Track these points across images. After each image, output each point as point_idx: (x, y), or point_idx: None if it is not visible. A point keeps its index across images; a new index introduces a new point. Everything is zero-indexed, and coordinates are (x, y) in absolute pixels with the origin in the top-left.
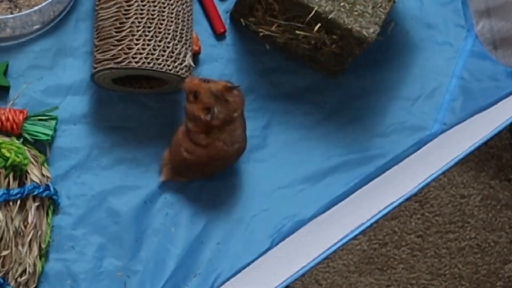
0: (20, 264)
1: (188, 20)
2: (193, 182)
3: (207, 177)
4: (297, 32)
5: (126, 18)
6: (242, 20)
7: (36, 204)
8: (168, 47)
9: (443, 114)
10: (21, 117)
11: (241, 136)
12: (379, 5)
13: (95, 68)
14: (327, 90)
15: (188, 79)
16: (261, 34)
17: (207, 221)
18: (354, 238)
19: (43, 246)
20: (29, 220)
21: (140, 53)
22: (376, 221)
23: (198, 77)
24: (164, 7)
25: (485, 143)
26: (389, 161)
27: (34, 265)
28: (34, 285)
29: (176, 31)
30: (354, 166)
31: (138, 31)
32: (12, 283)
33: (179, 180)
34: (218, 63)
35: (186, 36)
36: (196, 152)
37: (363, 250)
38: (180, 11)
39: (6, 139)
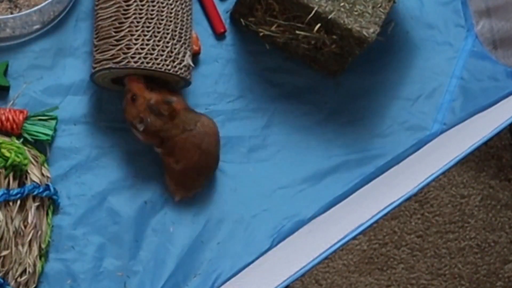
0: (20, 264)
1: (187, 20)
2: None
3: (208, 178)
4: (297, 32)
5: (125, 18)
6: (242, 20)
7: (36, 204)
8: (167, 47)
9: (443, 114)
10: (21, 117)
11: (194, 118)
12: (379, 5)
13: (94, 68)
14: (327, 90)
15: (136, 79)
16: (261, 34)
17: (207, 221)
18: (354, 238)
19: (43, 246)
20: (29, 220)
21: (139, 53)
22: (376, 221)
23: (144, 81)
24: (163, 7)
25: (485, 143)
26: (389, 161)
27: (34, 265)
28: (34, 285)
29: (175, 31)
30: (354, 166)
31: (137, 31)
32: (12, 283)
33: (190, 193)
34: (218, 63)
35: (185, 36)
36: (170, 158)
37: (363, 250)
38: (179, 11)
39: (6, 139)
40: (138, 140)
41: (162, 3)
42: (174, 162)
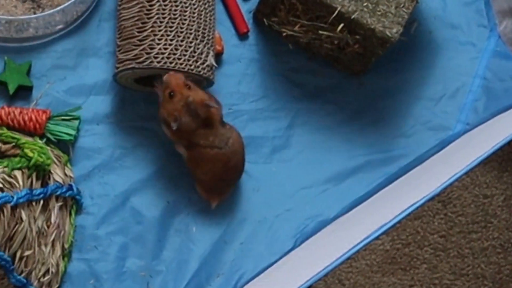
0: (43, 264)
1: (210, 20)
2: None
3: (237, 179)
4: (320, 32)
5: (148, 18)
6: (265, 20)
7: (59, 204)
8: (190, 47)
9: (466, 114)
10: (44, 117)
11: (226, 134)
12: (402, 5)
13: (117, 68)
14: (350, 90)
15: (174, 75)
16: (284, 34)
17: (230, 221)
18: (377, 238)
19: (66, 246)
20: (52, 220)
21: (162, 53)
22: (399, 221)
23: (183, 78)
24: (186, 7)
25: (508, 143)
26: (412, 161)
27: (57, 265)
28: (57, 285)
29: (198, 31)
30: (377, 166)
31: (160, 31)
32: (35, 283)
33: (224, 196)
34: (241, 63)
35: (208, 36)
36: (197, 168)
37: (386, 250)
38: (202, 11)
39: (29, 139)
40: (166, 136)
41: (185, 3)
42: (201, 173)
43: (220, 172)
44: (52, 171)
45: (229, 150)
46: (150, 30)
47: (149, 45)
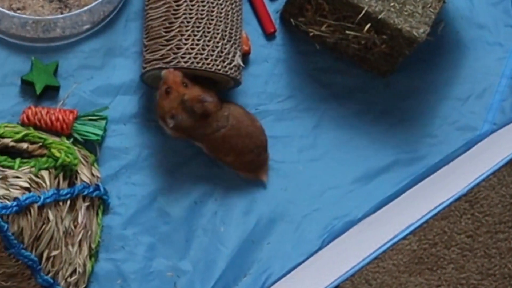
0: (70, 264)
1: (237, 20)
2: (243, 181)
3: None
4: (347, 32)
5: (175, 18)
6: (292, 20)
7: (86, 204)
8: (217, 47)
9: (493, 114)
10: (71, 117)
11: (223, 113)
12: (429, 5)
13: (144, 68)
14: (377, 90)
15: (173, 72)
16: (311, 34)
17: (257, 221)
18: (404, 238)
19: (93, 246)
20: (79, 220)
21: (189, 53)
22: (426, 221)
23: (181, 76)
24: (213, 7)
25: None
26: (439, 161)
27: (84, 265)
28: (84, 285)
29: (225, 31)
30: (404, 166)
31: (187, 31)
32: (62, 283)
33: (266, 166)
34: (268, 63)
35: (235, 36)
36: (218, 153)
37: (413, 250)
38: (229, 11)
39: (56, 139)
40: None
41: (212, 3)
42: (224, 156)
43: (239, 145)
44: (79, 171)
45: (232, 124)
46: (177, 30)
47: (176, 45)
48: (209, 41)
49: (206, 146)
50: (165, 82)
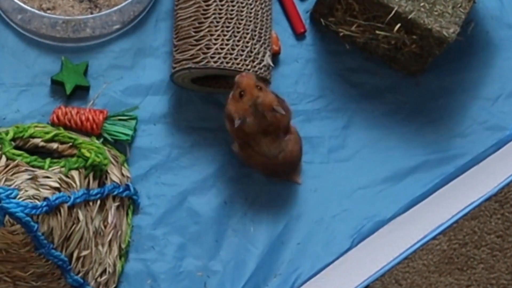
0: (100, 264)
1: (267, 20)
2: (273, 181)
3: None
4: (377, 32)
5: (205, 18)
6: (322, 20)
7: (116, 204)
8: (246, 47)
9: None
10: (101, 117)
11: (285, 146)
12: (459, 5)
13: (174, 68)
14: (407, 90)
15: (246, 75)
16: (341, 34)
17: (287, 221)
18: (434, 238)
19: (123, 246)
20: (109, 220)
21: (219, 53)
22: (456, 221)
23: (255, 78)
24: (243, 7)
25: None
26: (469, 161)
27: (114, 265)
28: (114, 285)
29: (255, 31)
30: (434, 166)
31: (216, 31)
32: (92, 283)
33: (299, 170)
34: (298, 63)
35: (265, 35)
36: (247, 162)
37: (443, 250)
38: (259, 11)
39: (86, 139)
40: (225, 134)
41: (242, 3)
42: (253, 166)
43: (270, 171)
44: (109, 171)
45: (278, 161)
46: (206, 30)
47: (206, 45)
48: (238, 41)
49: (242, 153)
50: (238, 86)
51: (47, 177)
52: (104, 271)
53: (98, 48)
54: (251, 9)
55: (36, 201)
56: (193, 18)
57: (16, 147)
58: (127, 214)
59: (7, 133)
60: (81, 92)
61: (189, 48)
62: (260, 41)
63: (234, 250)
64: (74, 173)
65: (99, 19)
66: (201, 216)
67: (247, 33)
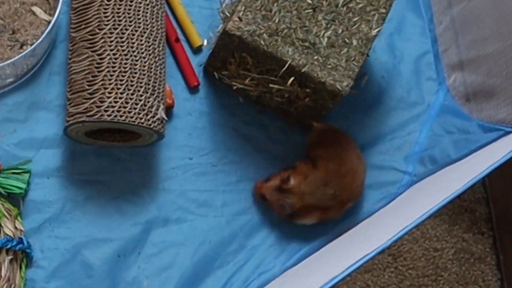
0: None
1: (160, 73)
2: (171, 234)
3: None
4: (271, 85)
5: (99, 72)
6: (215, 73)
7: (10, 257)
8: (140, 100)
9: (413, 166)
10: None
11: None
12: (352, 59)
13: (68, 121)
14: (300, 143)
15: (260, 187)
16: (234, 87)
17: (181, 275)
18: None
19: None
20: (2, 273)
21: (112, 106)
22: (349, 274)
23: (262, 181)
24: (137, 60)
25: (458, 197)
26: (360, 214)
27: None
28: None
29: (149, 84)
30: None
31: (110, 84)
32: None
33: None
34: (192, 116)
35: (159, 89)
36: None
37: None
38: (152, 64)
39: None
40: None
41: (135, 56)
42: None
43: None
44: (2, 225)
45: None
46: (100, 83)
47: (100, 98)
48: (132, 94)
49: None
50: (260, 197)
51: None
52: None
53: None
54: (145, 62)
55: None
56: (86, 72)
57: None
58: (21, 267)
59: None
60: None
61: (83, 102)
62: (153, 94)
63: None
64: None
65: None
66: (95, 269)
67: (141, 87)
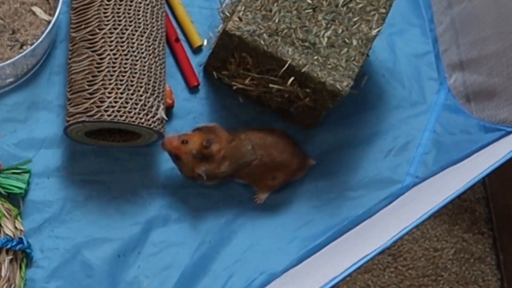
0: None
1: (161, 73)
2: (163, 234)
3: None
4: (271, 85)
5: (99, 71)
6: (215, 73)
7: (10, 257)
8: (140, 100)
9: (416, 167)
10: None
11: (249, 154)
12: (352, 59)
13: (68, 121)
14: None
15: (167, 140)
16: (234, 87)
17: (181, 274)
18: None
19: None
20: (2, 273)
21: (113, 106)
22: (349, 275)
23: (175, 137)
24: (137, 60)
25: (459, 197)
26: (361, 214)
27: None
28: None
29: (149, 84)
30: (327, 219)
31: (110, 84)
32: None
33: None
34: (192, 116)
35: (159, 89)
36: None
37: None
38: (152, 64)
39: None
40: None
41: (135, 56)
42: (271, 180)
43: (277, 164)
44: (2, 225)
45: (263, 153)
46: (100, 83)
47: (100, 98)
48: (132, 94)
49: (248, 181)
50: (169, 154)
51: None
52: None
53: None
54: (145, 62)
55: None
56: (86, 72)
57: None
58: (20, 267)
59: None
60: None
61: (82, 102)
62: (153, 94)
63: None
64: None
65: None
66: (94, 269)
67: (141, 87)
